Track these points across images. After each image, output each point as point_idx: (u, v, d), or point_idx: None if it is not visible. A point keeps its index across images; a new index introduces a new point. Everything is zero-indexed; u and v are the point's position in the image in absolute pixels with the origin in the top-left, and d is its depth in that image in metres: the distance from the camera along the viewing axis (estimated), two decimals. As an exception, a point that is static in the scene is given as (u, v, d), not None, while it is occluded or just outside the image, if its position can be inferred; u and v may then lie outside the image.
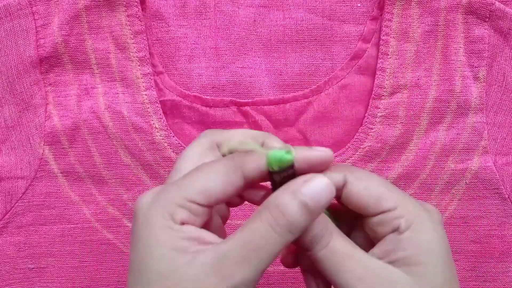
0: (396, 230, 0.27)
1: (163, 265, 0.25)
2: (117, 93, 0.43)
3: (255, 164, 0.26)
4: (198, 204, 0.26)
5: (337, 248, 0.26)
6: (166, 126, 0.43)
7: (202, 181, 0.26)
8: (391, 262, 0.26)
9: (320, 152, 0.27)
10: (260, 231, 0.25)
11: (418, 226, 0.27)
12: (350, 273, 0.26)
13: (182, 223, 0.25)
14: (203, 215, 0.26)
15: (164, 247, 0.25)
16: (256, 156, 0.27)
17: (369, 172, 0.29)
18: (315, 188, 0.26)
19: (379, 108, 0.43)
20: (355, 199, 0.27)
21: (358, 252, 0.27)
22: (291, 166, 0.26)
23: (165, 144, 0.43)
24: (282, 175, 0.26)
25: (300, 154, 0.27)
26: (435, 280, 0.26)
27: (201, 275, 0.24)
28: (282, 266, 0.43)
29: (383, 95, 0.43)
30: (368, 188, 0.27)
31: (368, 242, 0.29)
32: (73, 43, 0.43)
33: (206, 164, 0.27)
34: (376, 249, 0.27)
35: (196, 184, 0.26)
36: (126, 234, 0.43)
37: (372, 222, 0.27)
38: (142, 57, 0.43)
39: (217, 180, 0.26)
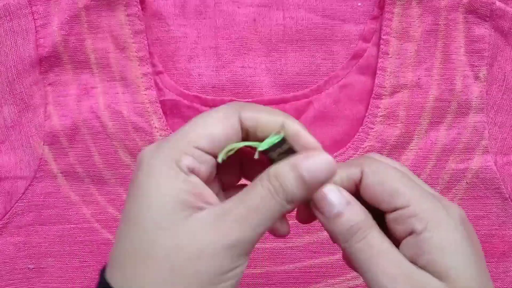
0: (413, 231, 0.25)
1: (162, 216, 0.25)
2: (117, 93, 0.43)
3: (252, 109, 0.27)
4: (203, 150, 0.26)
5: (374, 243, 0.26)
6: (166, 126, 0.43)
7: (204, 126, 0.26)
8: (421, 267, 0.25)
9: (310, 138, 0.28)
10: (261, 195, 0.25)
11: (435, 225, 0.25)
12: (383, 272, 0.25)
13: (189, 170, 0.25)
14: (207, 165, 0.26)
15: (165, 197, 0.25)
16: (252, 104, 0.27)
17: (389, 165, 0.28)
18: (315, 164, 0.26)
19: (379, 107, 0.43)
20: (370, 193, 0.27)
21: (394, 251, 0.26)
22: (282, 141, 0.26)
23: (165, 144, 0.43)
24: (277, 152, 0.26)
25: (292, 131, 0.27)
26: (469, 285, 0.25)
27: (199, 230, 0.24)
28: (284, 266, 0.43)
29: (383, 95, 0.43)
30: (383, 182, 0.26)
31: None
32: (73, 42, 0.43)
33: (205, 112, 0.27)
34: (403, 252, 0.26)
35: (199, 130, 0.26)
36: (126, 234, 0.43)
37: (389, 219, 0.27)
38: (142, 56, 0.43)
39: (218, 124, 0.26)
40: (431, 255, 0.25)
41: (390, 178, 0.27)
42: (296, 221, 0.43)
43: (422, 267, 0.25)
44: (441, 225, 0.25)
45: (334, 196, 0.26)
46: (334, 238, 0.27)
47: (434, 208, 0.26)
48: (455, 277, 0.24)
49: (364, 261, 0.26)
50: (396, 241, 0.26)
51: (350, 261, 0.27)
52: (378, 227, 0.27)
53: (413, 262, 0.25)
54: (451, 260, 0.25)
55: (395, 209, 0.26)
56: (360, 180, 0.27)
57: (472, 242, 0.26)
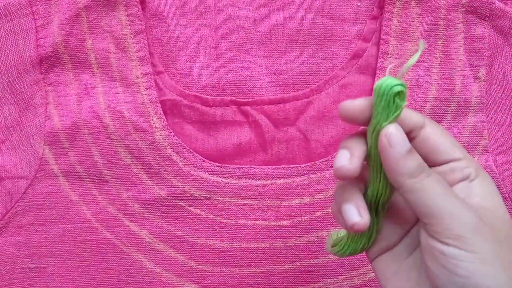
0: (466, 178, 0.28)
1: None
2: (117, 93, 0.43)
3: None
4: None
5: (440, 180, 0.28)
6: (166, 125, 0.43)
7: None
8: None
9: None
10: None
11: (484, 177, 0.29)
12: (454, 209, 0.27)
13: None
14: None
15: None
16: None
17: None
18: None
19: (379, 107, 0.43)
20: (432, 141, 0.29)
21: (452, 192, 0.28)
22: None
23: (165, 144, 0.43)
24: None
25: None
26: (507, 222, 0.28)
27: None
28: (284, 265, 0.43)
29: (383, 95, 0.43)
30: (445, 134, 0.29)
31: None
32: (73, 42, 0.43)
33: None
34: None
35: None
36: (126, 233, 0.43)
37: (442, 170, 0.29)
38: (142, 56, 0.43)
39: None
40: (479, 197, 0.28)
41: (446, 132, 0.30)
42: (296, 220, 0.43)
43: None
44: (488, 177, 0.29)
45: (403, 136, 0.28)
46: (397, 178, 0.28)
47: (479, 165, 0.30)
48: (498, 215, 0.28)
49: (434, 196, 0.27)
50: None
51: (410, 202, 0.28)
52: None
53: None
54: (496, 202, 0.28)
55: (452, 160, 0.29)
56: (420, 129, 0.29)
57: None
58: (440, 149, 0.29)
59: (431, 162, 0.29)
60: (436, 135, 0.29)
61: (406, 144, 0.27)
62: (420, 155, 0.28)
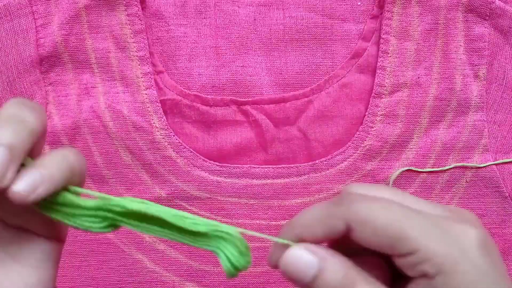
0: (424, 275, 0.22)
1: None
2: (117, 92, 0.43)
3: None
4: None
5: None
6: (166, 125, 0.43)
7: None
8: None
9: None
10: None
11: (451, 268, 0.22)
12: None
13: None
14: None
15: None
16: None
17: (378, 200, 0.24)
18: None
19: (379, 106, 0.43)
20: (367, 245, 0.23)
21: None
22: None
23: (166, 143, 0.43)
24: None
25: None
26: None
27: None
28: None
29: (383, 94, 0.43)
30: (377, 232, 0.23)
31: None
32: (73, 42, 0.43)
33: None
34: None
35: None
36: (127, 233, 0.43)
37: (396, 261, 0.23)
38: (142, 56, 0.43)
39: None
40: None
41: (385, 220, 0.23)
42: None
43: None
44: (457, 266, 0.22)
45: (305, 259, 0.24)
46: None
47: (447, 247, 0.22)
48: None
49: None
50: (406, 277, 0.24)
51: None
52: (364, 276, 0.24)
53: None
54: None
55: (401, 256, 0.23)
56: (348, 232, 0.24)
57: (496, 266, 0.23)
58: (379, 250, 0.23)
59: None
60: (366, 240, 0.23)
61: (308, 272, 0.23)
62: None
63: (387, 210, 0.23)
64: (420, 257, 0.22)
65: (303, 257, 0.24)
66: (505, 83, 0.44)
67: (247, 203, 0.43)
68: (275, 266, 0.25)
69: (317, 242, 0.24)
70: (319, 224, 0.24)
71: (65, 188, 0.26)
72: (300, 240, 0.25)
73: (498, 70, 0.44)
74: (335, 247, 0.25)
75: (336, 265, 0.23)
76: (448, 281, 0.22)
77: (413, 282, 0.23)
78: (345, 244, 0.25)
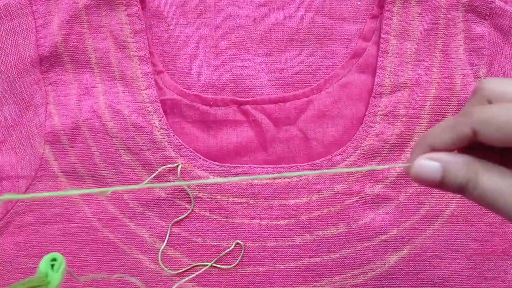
0: None
1: None
2: (118, 92, 0.43)
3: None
4: None
5: (487, 188, 0.26)
6: (166, 125, 0.43)
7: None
8: None
9: None
10: None
11: None
12: (509, 207, 0.26)
13: None
14: None
15: None
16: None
17: (497, 105, 0.27)
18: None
19: (379, 106, 0.43)
20: (492, 143, 0.26)
21: (508, 179, 0.26)
22: None
23: (166, 143, 0.43)
24: None
25: None
26: None
27: None
28: (284, 265, 0.43)
29: (383, 94, 0.43)
30: (500, 128, 0.26)
31: None
32: (73, 42, 0.43)
33: None
34: None
35: None
36: (127, 233, 0.43)
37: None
38: (142, 56, 0.43)
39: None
40: None
41: (507, 119, 0.26)
42: (296, 219, 0.43)
43: None
44: None
45: (429, 167, 0.28)
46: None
47: None
48: None
49: (489, 206, 0.27)
50: None
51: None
52: (487, 165, 0.27)
53: None
54: None
55: None
56: (475, 136, 0.27)
57: None
58: (504, 144, 0.26)
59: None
60: (493, 137, 0.26)
61: (434, 176, 0.28)
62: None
63: (507, 109, 0.26)
64: None
65: (427, 165, 0.28)
66: (505, 83, 0.44)
67: (247, 203, 0.43)
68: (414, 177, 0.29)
69: (448, 149, 0.28)
70: (448, 133, 0.28)
71: None
72: (432, 148, 0.28)
73: (498, 70, 0.44)
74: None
75: (458, 163, 0.27)
76: None
77: None
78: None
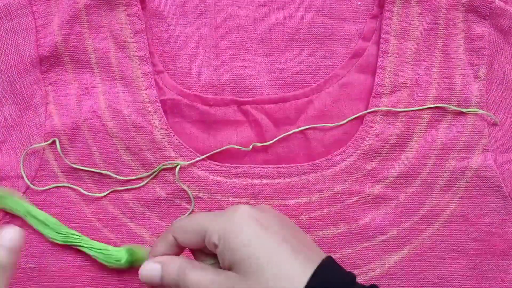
0: (216, 246, 0.32)
1: None
2: (118, 92, 0.43)
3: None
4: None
5: (192, 283, 0.32)
6: (166, 125, 0.43)
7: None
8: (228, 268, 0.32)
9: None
10: None
11: (226, 234, 0.31)
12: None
13: None
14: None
15: None
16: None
17: (188, 217, 0.35)
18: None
19: (379, 106, 0.43)
20: (190, 246, 0.35)
21: (206, 272, 0.32)
22: None
23: (166, 143, 0.43)
24: None
25: None
26: (261, 276, 0.30)
27: None
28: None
29: (383, 94, 0.43)
30: (188, 236, 0.34)
31: None
32: (73, 42, 0.43)
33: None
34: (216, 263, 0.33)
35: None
36: (127, 233, 0.43)
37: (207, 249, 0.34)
38: (142, 56, 0.43)
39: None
40: (225, 258, 0.32)
41: (191, 228, 0.34)
42: (297, 219, 0.43)
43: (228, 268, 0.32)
44: (230, 233, 0.31)
45: (152, 267, 0.34)
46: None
47: (222, 223, 0.32)
48: (250, 270, 0.30)
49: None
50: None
51: None
52: (194, 264, 0.33)
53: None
54: (242, 260, 0.31)
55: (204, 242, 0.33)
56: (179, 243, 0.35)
57: (267, 230, 0.32)
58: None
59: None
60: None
61: (155, 279, 0.34)
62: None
63: (192, 220, 0.34)
64: (208, 235, 0.32)
65: (151, 267, 0.34)
66: (505, 83, 0.44)
67: (247, 203, 0.43)
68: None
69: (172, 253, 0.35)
70: (160, 243, 0.35)
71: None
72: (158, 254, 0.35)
73: (498, 70, 0.44)
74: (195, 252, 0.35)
75: (172, 264, 0.33)
76: (227, 243, 0.31)
77: (218, 255, 0.32)
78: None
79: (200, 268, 0.33)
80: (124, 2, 0.43)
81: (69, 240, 0.41)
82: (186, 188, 0.43)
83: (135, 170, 0.43)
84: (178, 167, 0.42)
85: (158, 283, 0.33)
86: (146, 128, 0.43)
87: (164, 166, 0.42)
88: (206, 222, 0.33)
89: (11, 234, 0.30)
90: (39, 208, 0.43)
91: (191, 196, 0.43)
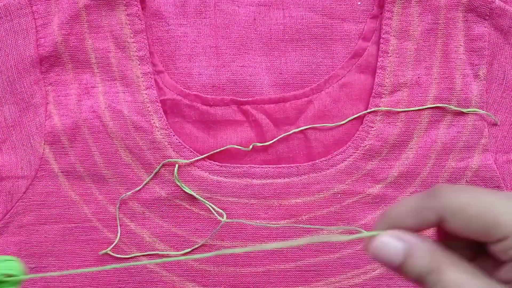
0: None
1: None
2: (118, 92, 0.43)
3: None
4: None
5: (449, 282, 0.24)
6: (166, 125, 0.43)
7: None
8: None
9: None
10: None
11: None
12: None
13: None
14: None
15: None
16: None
17: (468, 192, 0.25)
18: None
19: (379, 106, 0.43)
20: (460, 234, 0.24)
21: (475, 280, 0.24)
22: None
23: (166, 143, 0.43)
24: None
25: None
26: None
27: None
28: (284, 265, 0.43)
29: (383, 94, 0.43)
30: (470, 221, 0.24)
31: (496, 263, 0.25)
32: (73, 42, 0.43)
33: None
34: (501, 273, 0.24)
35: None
36: (127, 233, 0.43)
37: (489, 248, 0.24)
38: (142, 56, 0.43)
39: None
40: None
41: (475, 211, 0.24)
42: (296, 219, 0.43)
43: None
44: None
45: (392, 245, 0.25)
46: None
47: None
48: None
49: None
50: (499, 261, 0.25)
51: None
52: (453, 259, 0.25)
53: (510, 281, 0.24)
54: None
55: (494, 242, 0.24)
56: (440, 223, 0.25)
57: None
58: (472, 239, 0.24)
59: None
60: (459, 229, 0.24)
61: (394, 258, 0.25)
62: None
63: (478, 200, 0.24)
64: (503, 226, 0.23)
65: (390, 244, 0.25)
66: (505, 83, 0.44)
67: (247, 202, 0.43)
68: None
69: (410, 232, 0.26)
70: (411, 216, 0.25)
71: None
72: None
73: (498, 70, 0.44)
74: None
75: (423, 250, 0.25)
76: None
77: (507, 265, 0.24)
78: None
79: (465, 270, 0.24)
80: (124, 2, 0.43)
81: None
82: (186, 189, 0.43)
83: (135, 170, 0.43)
84: (176, 166, 0.42)
85: (395, 265, 0.25)
86: (146, 128, 0.43)
87: (165, 162, 0.42)
88: (499, 214, 0.23)
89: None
90: (39, 208, 0.43)
91: (197, 196, 0.43)
